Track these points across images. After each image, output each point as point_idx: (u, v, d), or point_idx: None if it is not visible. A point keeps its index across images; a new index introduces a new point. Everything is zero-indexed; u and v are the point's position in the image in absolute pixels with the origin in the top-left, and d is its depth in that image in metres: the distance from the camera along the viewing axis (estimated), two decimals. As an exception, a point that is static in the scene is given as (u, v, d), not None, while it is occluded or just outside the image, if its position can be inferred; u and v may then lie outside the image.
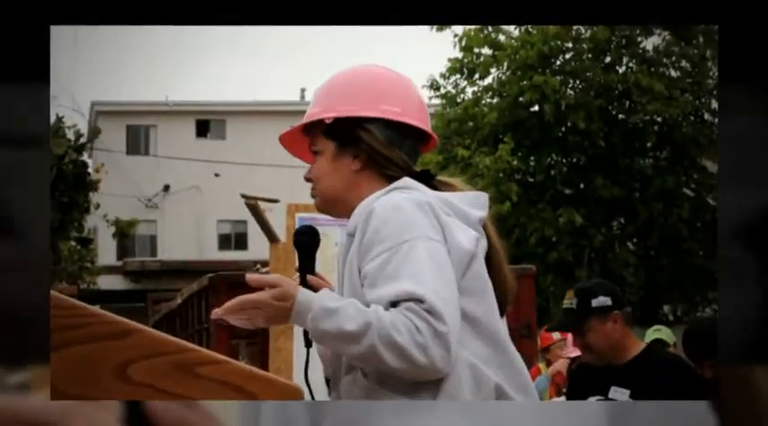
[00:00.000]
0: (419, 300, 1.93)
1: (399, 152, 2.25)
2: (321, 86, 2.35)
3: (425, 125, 2.32)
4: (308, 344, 2.18)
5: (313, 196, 2.34)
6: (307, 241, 2.31)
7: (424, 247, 2.02)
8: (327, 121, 2.26)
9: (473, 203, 2.20)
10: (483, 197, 2.25)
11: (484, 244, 2.18)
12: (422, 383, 1.99)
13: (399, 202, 2.09)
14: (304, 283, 2.22)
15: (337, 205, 2.30)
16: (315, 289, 2.12)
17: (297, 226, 2.38)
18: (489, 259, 2.18)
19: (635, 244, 18.20)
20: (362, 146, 2.24)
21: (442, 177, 2.32)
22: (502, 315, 2.17)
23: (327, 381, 2.27)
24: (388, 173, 2.24)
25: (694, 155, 18.00)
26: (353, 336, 1.94)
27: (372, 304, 1.99)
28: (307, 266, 2.29)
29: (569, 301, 3.86)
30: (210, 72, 54.57)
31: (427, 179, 2.26)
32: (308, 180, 2.32)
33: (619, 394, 3.68)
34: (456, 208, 2.15)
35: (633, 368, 3.75)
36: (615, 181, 17.45)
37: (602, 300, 3.78)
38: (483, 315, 2.09)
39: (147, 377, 1.53)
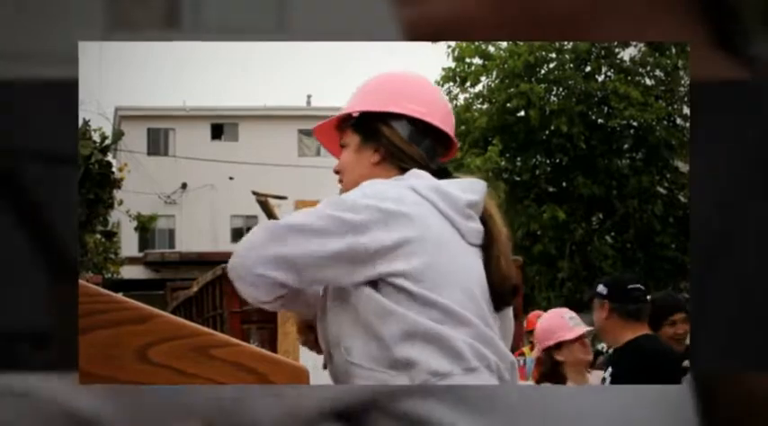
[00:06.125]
0: None
1: (418, 148, 2.16)
2: (357, 88, 2.29)
3: (449, 129, 2.23)
4: None
5: (341, 187, 2.27)
6: None
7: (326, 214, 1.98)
8: (355, 115, 2.21)
9: (465, 188, 2.10)
10: (477, 183, 2.14)
11: (471, 228, 2.06)
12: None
13: (379, 185, 2.06)
14: None
15: None
16: None
17: None
18: (487, 247, 2.06)
19: (613, 238, 18.22)
20: (383, 141, 2.18)
21: (458, 174, 2.21)
22: (499, 307, 2.03)
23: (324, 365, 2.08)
24: (404, 166, 2.16)
25: (667, 157, 18.01)
26: None
27: None
28: None
29: None
30: (224, 80, 54.54)
31: (445, 175, 2.15)
32: (336, 172, 2.25)
33: (608, 375, 3.75)
34: (443, 192, 2.05)
35: (620, 352, 3.82)
36: (595, 180, 17.48)
37: (600, 289, 3.87)
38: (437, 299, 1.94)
39: (166, 359, 1.53)
